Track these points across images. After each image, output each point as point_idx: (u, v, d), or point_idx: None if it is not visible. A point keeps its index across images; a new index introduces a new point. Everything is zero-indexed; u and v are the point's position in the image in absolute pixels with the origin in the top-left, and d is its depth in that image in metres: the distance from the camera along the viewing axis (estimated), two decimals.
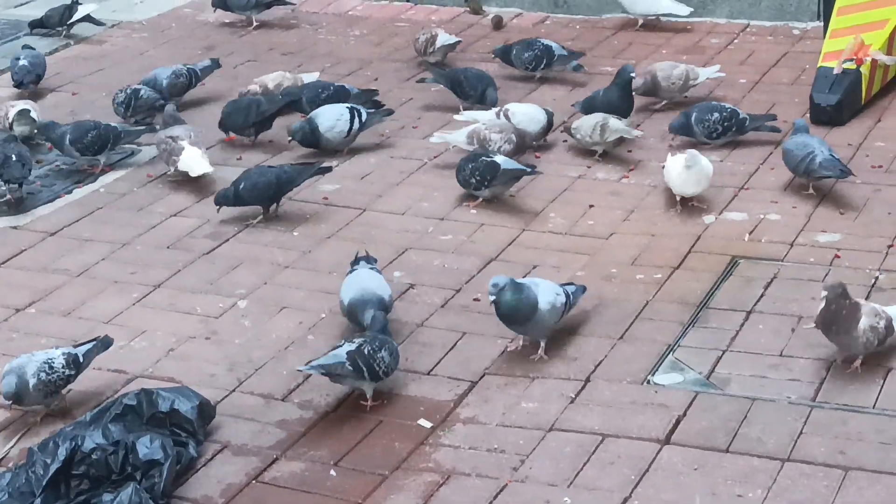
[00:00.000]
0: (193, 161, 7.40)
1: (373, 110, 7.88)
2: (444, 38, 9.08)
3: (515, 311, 5.61)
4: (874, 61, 8.01)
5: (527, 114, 7.74)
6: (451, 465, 5.06)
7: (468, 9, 10.23)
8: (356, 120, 7.66)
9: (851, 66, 7.96)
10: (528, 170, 7.09)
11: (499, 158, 7.09)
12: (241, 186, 6.94)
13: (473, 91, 8.21)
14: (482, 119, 7.71)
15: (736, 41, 9.47)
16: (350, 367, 5.29)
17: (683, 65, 8.27)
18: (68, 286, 6.45)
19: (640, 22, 9.80)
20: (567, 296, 5.80)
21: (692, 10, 9.67)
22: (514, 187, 7.19)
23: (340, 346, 5.40)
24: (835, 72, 7.91)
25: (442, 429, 5.28)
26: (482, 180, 7.03)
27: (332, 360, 5.32)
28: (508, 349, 5.76)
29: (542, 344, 5.72)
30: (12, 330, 6.08)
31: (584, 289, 5.98)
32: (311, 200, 7.22)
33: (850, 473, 4.91)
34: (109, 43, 9.93)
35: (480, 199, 7.09)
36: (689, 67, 8.24)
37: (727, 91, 8.51)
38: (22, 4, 10.94)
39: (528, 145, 7.62)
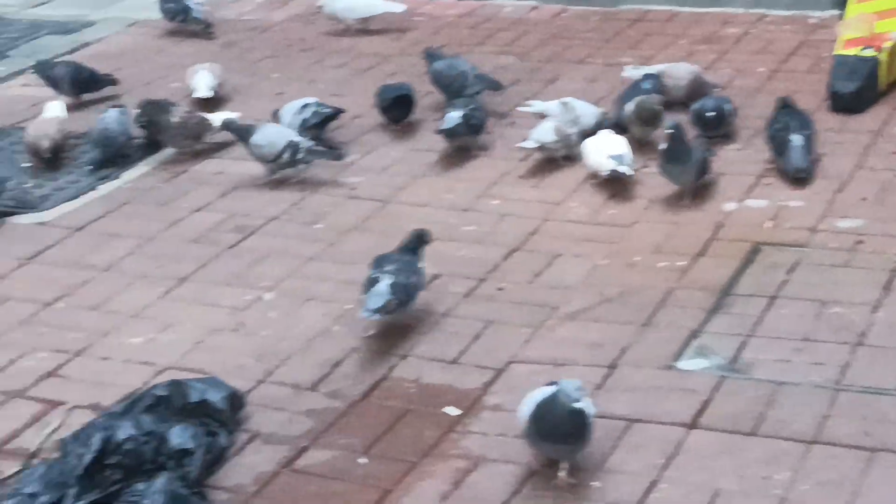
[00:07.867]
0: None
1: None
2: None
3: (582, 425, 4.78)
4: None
5: (583, 109, 7.72)
6: (479, 451, 5.10)
7: None
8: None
9: (870, 52, 7.98)
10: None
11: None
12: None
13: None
14: (551, 111, 7.70)
15: (753, 31, 9.49)
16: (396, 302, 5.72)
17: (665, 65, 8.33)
18: (96, 280, 6.50)
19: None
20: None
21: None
22: (536, 187, 7.26)
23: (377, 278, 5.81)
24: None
25: (469, 416, 5.32)
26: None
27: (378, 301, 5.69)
28: (559, 485, 4.89)
29: (567, 465, 4.89)
30: (42, 324, 6.13)
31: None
32: (335, 194, 7.27)
33: (877, 454, 4.93)
34: (130, 41, 9.97)
35: None
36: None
37: (746, 80, 8.53)
38: (41, 4, 10.99)
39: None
